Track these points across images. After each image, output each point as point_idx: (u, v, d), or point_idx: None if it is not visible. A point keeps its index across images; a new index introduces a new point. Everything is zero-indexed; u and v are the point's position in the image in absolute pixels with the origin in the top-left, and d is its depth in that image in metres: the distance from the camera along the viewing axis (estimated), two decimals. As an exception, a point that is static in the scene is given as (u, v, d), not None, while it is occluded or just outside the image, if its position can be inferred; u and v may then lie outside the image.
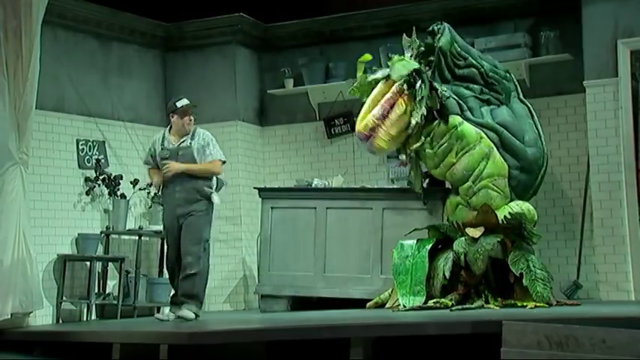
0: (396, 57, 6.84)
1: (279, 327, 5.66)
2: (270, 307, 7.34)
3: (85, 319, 7.42)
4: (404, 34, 6.97)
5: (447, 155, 6.71)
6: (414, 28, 6.97)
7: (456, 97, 6.74)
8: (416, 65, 6.72)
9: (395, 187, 7.76)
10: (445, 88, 6.69)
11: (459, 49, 6.87)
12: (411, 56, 6.87)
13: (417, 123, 6.57)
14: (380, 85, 6.85)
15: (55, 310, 7.22)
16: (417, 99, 6.57)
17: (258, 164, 8.71)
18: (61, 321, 7.21)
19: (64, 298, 7.27)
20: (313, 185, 7.60)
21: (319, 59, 8.50)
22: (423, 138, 6.70)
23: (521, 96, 7.01)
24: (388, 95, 6.67)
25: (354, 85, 7.07)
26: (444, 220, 6.90)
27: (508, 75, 7.04)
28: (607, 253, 7.06)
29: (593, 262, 7.23)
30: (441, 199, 7.02)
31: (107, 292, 7.62)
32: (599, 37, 7.16)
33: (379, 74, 6.90)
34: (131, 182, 7.85)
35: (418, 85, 6.58)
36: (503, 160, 6.67)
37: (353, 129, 8.36)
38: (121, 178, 7.75)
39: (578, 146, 7.50)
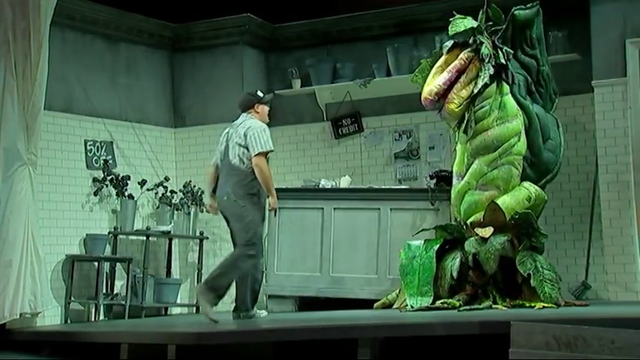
0: (458, 15, 6.76)
1: (287, 327, 5.66)
2: (278, 308, 7.34)
3: (93, 319, 7.43)
4: None
5: (484, 119, 6.64)
6: None
7: (512, 70, 6.73)
8: (474, 23, 6.64)
9: (402, 187, 7.75)
10: (507, 48, 6.64)
11: (533, 36, 6.82)
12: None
13: (485, 83, 6.54)
14: (444, 57, 6.77)
15: (64, 311, 7.24)
16: (485, 60, 6.53)
17: (266, 165, 8.69)
18: (69, 321, 7.23)
19: (73, 299, 7.28)
20: (320, 186, 7.60)
21: (326, 60, 8.49)
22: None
23: (551, 111, 6.99)
24: (455, 62, 6.61)
25: (416, 71, 7.01)
26: (452, 221, 6.89)
27: (555, 97, 7.02)
28: (616, 254, 7.04)
29: (601, 262, 7.20)
30: (449, 199, 7.01)
31: (115, 292, 7.63)
32: (608, 37, 7.14)
33: (447, 44, 6.80)
34: (139, 183, 7.86)
35: (479, 41, 6.55)
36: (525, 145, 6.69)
37: (360, 129, 8.41)
38: (129, 178, 7.75)
39: (586, 146, 7.48)
